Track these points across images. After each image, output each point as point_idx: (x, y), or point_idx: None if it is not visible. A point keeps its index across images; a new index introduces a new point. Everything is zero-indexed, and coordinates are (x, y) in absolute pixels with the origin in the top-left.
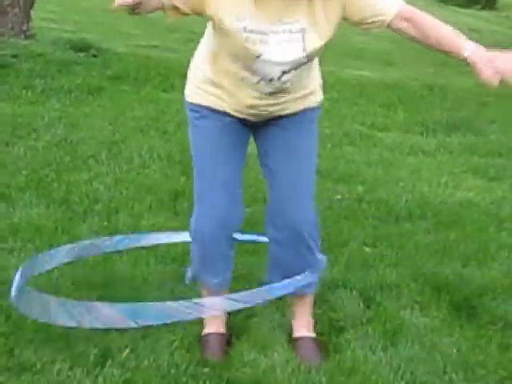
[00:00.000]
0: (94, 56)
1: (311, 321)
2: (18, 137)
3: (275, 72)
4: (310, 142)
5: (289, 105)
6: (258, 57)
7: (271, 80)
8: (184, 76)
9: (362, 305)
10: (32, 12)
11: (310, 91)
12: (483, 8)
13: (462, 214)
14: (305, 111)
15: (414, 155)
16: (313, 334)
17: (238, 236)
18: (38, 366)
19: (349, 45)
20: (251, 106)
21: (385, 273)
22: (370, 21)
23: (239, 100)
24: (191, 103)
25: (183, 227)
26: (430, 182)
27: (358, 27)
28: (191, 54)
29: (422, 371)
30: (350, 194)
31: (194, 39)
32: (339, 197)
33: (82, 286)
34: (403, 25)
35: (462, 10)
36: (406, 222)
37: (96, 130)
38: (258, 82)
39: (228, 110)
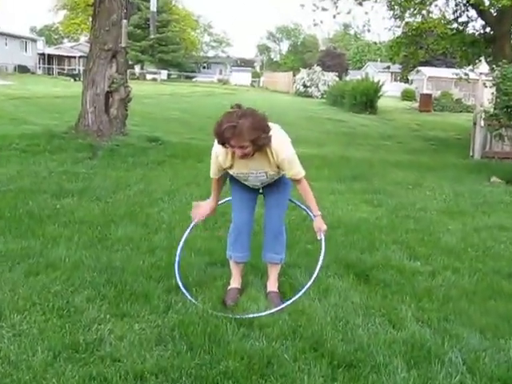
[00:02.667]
0: (160, 144)
1: (276, 283)
2: (119, 189)
3: (257, 183)
4: (284, 190)
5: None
6: (245, 180)
7: (256, 185)
8: (209, 154)
9: (306, 276)
10: (126, 121)
11: (280, 176)
12: (370, 113)
13: (360, 225)
14: (280, 178)
15: (333, 194)
16: (276, 290)
17: None
18: (132, 313)
19: (298, 136)
20: (255, 185)
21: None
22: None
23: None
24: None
25: (209, 236)
26: (342, 209)
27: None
28: (211, 141)
29: (340, 311)
30: (299, 216)
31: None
32: (293, 217)
33: (156, 268)
34: (296, 185)
35: (357, 114)
36: (330, 230)
37: (162, 185)
38: (253, 185)
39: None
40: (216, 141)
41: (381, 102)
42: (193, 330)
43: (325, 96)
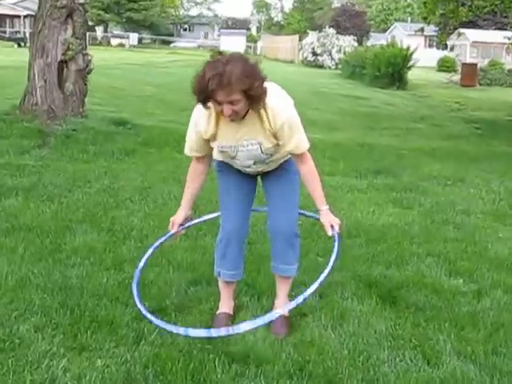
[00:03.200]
0: (129, 128)
1: (287, 301)
2: (77, 186)
3: (248, 164)
4: (291, 181)
5: (270, 169)
6: (233, 158)
7: (248, 167)
8: None
9: (317, 297)
10: (85, 99)
11: (283, 161)
12: (398, 88)
13: (385, 232)
14: (282, 164)
15: (351, 192)
16: (286, 313)
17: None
18: (94, 346)
19: (305, 117)
20: (246, 171)
21: (332, 275)
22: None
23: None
24: (215, 159)
25: (192, 246)
26: (362, 211)
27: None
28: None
29: (360, 343)
30: (308, 220)
31: None
32: (300, 222)
33: (123, 288)
34: (299, 165)
35: (381, 90)
36: (347, 239)
37: (131, 180)
38: (243, 167)
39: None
40: (196, 100)
41: (411, 74)
42: (171, 366)
43: (340, 66)
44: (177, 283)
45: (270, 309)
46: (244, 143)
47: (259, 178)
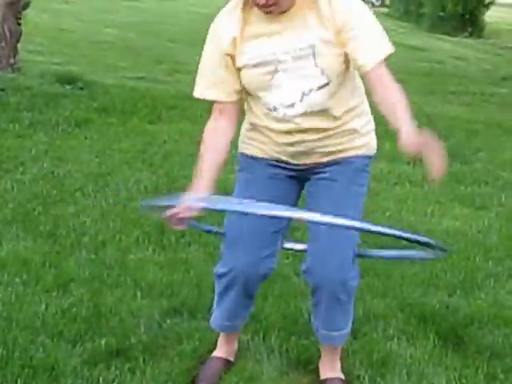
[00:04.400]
0: (81, 88)
1: (338, 363)
2: (4, 170)
3: (294, 94)
4: (356, 195)
5: (327, 141)
6: (273, 82)
7: (293, 105)
8: (170, 108)
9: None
10: (19, 45)
11: (353, 129)
12: (470, 35)
13: (449, 243)
14: (352, 159)
15: (401, 185)
16: (340, 375)
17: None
18: None
19: None
20: (287, 144)
21: (372, 303)
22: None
23: (274, 140)
24: (239, 153)
25: (170, 260)
26: (416, 212)
27: None
28: (178, 84)
29: None
30: None
31: (180, 70)
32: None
33: (69, 318)
34: (371, 81)
35: (449, 38)
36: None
37: (83, 163)
38: (284, 117)
39: (271, 154)
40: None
41: (490, 16)
42: None
43: (388, 2)
44: (147, 313)
45: (282, 352)
46: (289, 47)
47: (304, 188)
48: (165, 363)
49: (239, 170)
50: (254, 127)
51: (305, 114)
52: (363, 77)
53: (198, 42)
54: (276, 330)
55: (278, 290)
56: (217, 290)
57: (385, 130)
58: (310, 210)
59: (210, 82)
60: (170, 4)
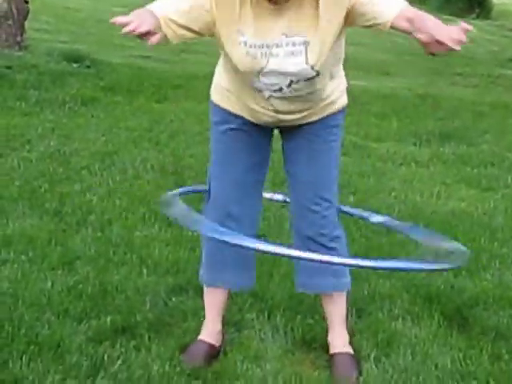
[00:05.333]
0: (88, 67)
1: (347, 334)
2: (11, 148)
3: (282, 82)
4: (332, 149)
5: (308, 117)
6: (261, 70)
7: (281, 90)
8: (176, 87)
9: (353, 316)
10: (26, 23)
11: (331, 101)
12: (477, 17)
13: (454, 224)
14: (328, 117)
15: (407, 165)
16: (350, 350)
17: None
18: (31, 378)
19: (348, 55)
20: (268, 121)
21: (377, 283)
22: (371, 23)
23: (256, 115)
24: (213, 102)
25: (176, 238)
26: (422, 192)
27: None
28: (184, 64)
29: (414, 382)
30: (342, 204)
31: (187, 49)
32: None
33: (75, 296)
34: (404, 25)
35: (455, 18)
36: (399, 233)
37: (89, 141)
38: (269, 98)
39: (246, 117)
40: None
41: None
42: None
43: None
44: (153, 291)
45: (287, 331)
46: (282, 41)
47: (280, 141)
48: (170, 341)
49: (214, 121)
50: (231, 92)
51: (290, 98)
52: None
53: None
54: (281, 309)
55: (283, 269)
56: (209, 243)
57: (392, 108)
58: (289, 173)
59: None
60: None
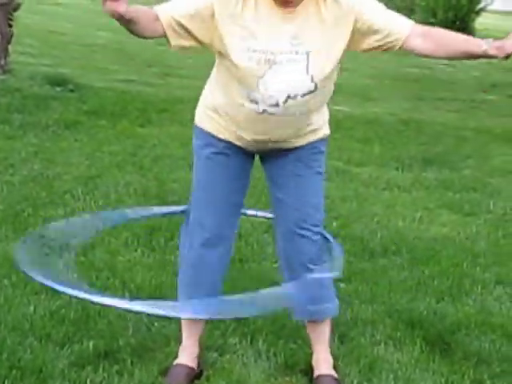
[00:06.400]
0: (71, 91)
1: (330, 357)
2: None
3: (280, 95)
4: (317, 171)
5: (294, 140)
6: (262, 77)
7: (277, 105)
8: (161, 111)
9: (336, 341)
10: (9, 47)
11: (315, 128)
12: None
13: (437, 249)
14: (311, 144)
15: (390, 190)
16: (333, 372)
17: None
18: None
19: None
20: (255, 141)
21: (359, 309)
22: (382, 42)
23: (243, 134)
24: (196, 125)
25: (159, 262)
26: (404, 218)
27: (369, 50)
28: (168, 88)
29: None
30: (325, 229)
31: (171, 73)
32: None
33: (57, 320)
34: (418, 41)
35: None
36: (381, 258)
37: (72, 165)
38: (263, 112)
39: (230, 140)
40: None
41: (481, 23)
42: None
43: None
44: (135, 316)
45: (269, 356)
46: (287, 49)
47: (261, 166)
48: (153, 365)
49: (197, 145)
50: (216, 110)
51: (281, 118)
52: (403, 48)
53: None
54: (264, 334)
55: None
56: (187, 270)
57: (375, 133)
58: (276, 198)
59: (177, 8)
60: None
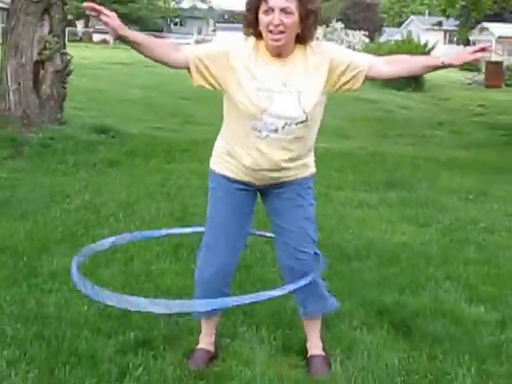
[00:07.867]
0: (113, 137)
1: (320, 341)
2: (55, 202)
3: (279, 123)
4: (310, 202)
5: (288, 173)
6: (265, 110)
7: (276, 130)
8: (183, 151)
9: (324, 328)
10: (64, 103)
11: (306, 163)
12: (413, 90)
13: (399, 253)
14: (302, 180)
15: (361, 208)
16: (322, 352)
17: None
18: (72, 382)
19: None
20: (257, 170)
21: (340, 302)
22: (350, 76)
23: (248, 166)
24: (211, 170)
25: (184, 270)
26: (373, 229)
27: (340, 91)
28: (189, 133)
29: (370, 378)
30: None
31: (190, 121)
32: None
33: (105, 317)
34: (382, 67)
35: (396, 92)
36: (355, 262)
37: (115, 195)
38: (266, 137)
39: (239, 179)
40: (244, 20)
41: (429, 75)
42: None
43: None
44: None
45: (270, 341)
46: (282, 89)
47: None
48: (180, 350)
49: (211, 187)
50: (229, 152)
51: (281, 141)
52: (373, 75)
53: (204, 98)
54: (266, 324)
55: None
56: (202, 290)
57: (349, 164)
58: (277, 225)
59: (201, 52)
60: (183, 70)
